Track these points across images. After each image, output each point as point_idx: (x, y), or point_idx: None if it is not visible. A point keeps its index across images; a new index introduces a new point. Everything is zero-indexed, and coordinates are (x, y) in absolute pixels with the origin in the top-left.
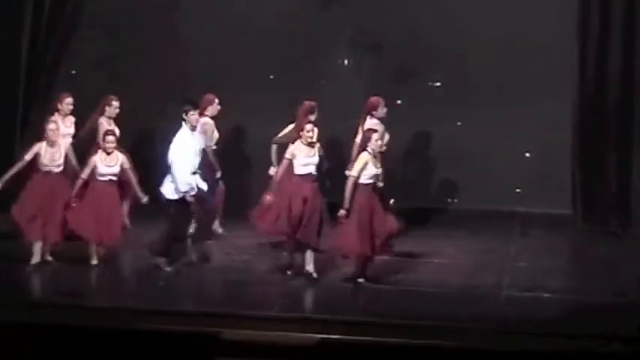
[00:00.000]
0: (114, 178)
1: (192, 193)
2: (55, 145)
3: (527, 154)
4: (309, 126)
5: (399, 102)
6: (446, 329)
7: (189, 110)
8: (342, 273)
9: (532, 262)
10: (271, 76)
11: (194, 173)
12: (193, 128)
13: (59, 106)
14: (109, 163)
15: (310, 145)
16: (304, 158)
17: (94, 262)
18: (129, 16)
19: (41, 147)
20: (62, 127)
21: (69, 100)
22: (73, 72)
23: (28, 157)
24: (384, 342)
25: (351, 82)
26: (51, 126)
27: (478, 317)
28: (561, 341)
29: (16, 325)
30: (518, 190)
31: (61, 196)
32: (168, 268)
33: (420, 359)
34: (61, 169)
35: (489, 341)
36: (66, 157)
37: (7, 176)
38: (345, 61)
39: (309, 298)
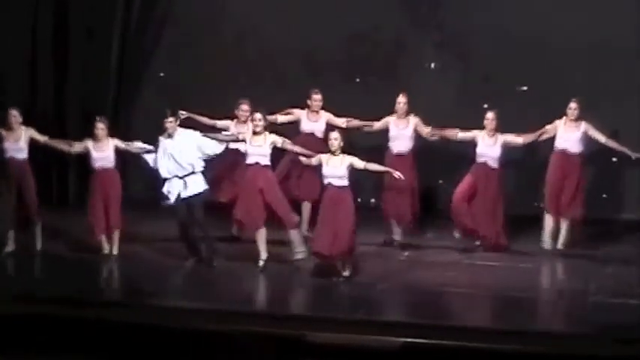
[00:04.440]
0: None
1: None
2: (101, 142)
3: (614, 159)
4: (257, 115)
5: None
6: (532, 334)
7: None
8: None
9: (619, 267)
10: (357, 79)
11: None
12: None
13: (237, 113)
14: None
15: (257, 133)
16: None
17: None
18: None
19: (88, 145)
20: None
21: (245, 107)
22: (161, 74)
23: (73, 149)
24: (469, 347)
25: (437, 85)
26: (100, 125)
27: (564, 322)
28: None
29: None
30: (604, 196)
31: (117, 191)
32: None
33: None
34: (112, 165)
35: (575, 346)
36: None
37: (51, 142)
38: (432, 65)
39: (393, 301)
